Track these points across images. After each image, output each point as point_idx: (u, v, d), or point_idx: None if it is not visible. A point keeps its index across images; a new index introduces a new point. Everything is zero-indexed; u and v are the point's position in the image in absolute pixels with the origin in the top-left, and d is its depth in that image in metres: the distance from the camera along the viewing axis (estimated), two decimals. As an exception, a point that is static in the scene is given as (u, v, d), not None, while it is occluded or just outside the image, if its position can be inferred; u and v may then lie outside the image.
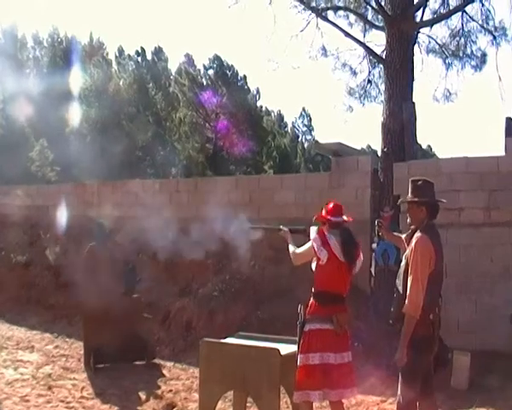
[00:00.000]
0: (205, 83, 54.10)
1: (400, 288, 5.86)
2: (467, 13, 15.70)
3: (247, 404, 6.94)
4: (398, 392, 5.86)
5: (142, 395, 9.48)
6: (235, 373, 6.14)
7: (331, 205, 6.49)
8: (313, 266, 6.36)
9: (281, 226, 7.14)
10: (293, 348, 6.27)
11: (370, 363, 9.61)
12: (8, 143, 43.17)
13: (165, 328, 12.62)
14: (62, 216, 17.65)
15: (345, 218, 6.43)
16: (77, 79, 52.04)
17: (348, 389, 6.09)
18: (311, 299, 6.25)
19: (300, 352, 6.08)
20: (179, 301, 13.04)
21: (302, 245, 6.57)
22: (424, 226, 5.90)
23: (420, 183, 6.06)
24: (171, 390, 9.77)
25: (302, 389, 5.97)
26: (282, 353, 6.00)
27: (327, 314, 6.05)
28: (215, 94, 51.16)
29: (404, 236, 6.35)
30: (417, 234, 5.84)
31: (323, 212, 6.45)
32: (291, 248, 6.65)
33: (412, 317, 5.63)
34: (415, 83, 13.87)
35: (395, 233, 6.87)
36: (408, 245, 5.97)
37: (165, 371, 10.97)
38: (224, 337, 7.10)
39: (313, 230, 6.37)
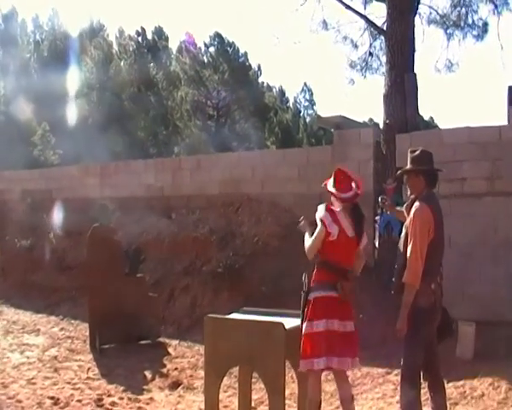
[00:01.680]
0: (206, 60, 53.96)
1: (400, 258, 5.83)
2: (468, -18, 15.62)
3: (253, 379, 6.94)
4: (402, 362, 5.87)
5: (148, 374, 9.52)
6: (240, 349, 6.11)
7: (340, 177, 6.26)
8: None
9: (302, 220, 6.82)
10: (297, 321, 6.24)
11: (375, 335, 9.60)
12: (10, 128, 43.12)
13: (170, 306, 12.64)
14: (65, 199, 17.66)
15: (355, 190, 6.25)
16: (78, 61, 51.96)
17: (350, 359, 6.05)
18: (315, 268, 6.19)
19: (305, 320, 6.04)
20: (183, 279, 13.05)
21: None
22: (423, 196, 5.86)
23: (417, 153, 6.02)
24: (176, 368, 9.81)
25: (307, 358, 5.95)
26: (287, 327, 5.96)
27: (332, 281, 6.00)
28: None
29: (404, 207, 6.31)
30: (416, 203, 5.81)
31: (331, 184, 6.29)
32: (306, 240, 6.41)
33: (412, 285, 5.61)
34: (416, 54, 13.82)
35: (398, 208, 6.82)
36: (408, 215, 5.93)
37: (170, 350, 11.01)
38: (229, 313, 7.07)
39: (321, 207, 6.23)
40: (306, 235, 6.33)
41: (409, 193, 6.07)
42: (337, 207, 6.20)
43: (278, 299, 8.44)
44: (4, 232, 18.14)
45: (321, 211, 6.12)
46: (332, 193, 6.23)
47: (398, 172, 6.51)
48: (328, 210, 6.09)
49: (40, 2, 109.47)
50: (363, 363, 6.52)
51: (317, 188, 6.51)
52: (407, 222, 5.86)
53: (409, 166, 6.04)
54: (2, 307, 14.86)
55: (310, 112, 70.40)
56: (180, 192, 15.99)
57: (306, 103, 71.96)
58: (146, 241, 14.48)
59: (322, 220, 6.06)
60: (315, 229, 6.16)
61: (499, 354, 9.11)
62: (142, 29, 60.12)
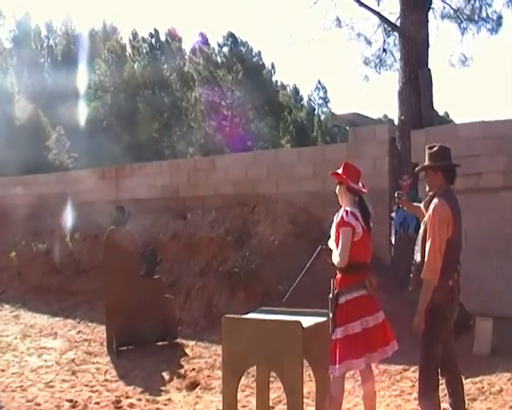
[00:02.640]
0: (219, 61, 54.05)
1: (419, 255, 5.80)
2: (481, -25, 15.52)
3: (270, 379, 6.91)
4: (420, 359, 5.85)
5: (166, 375, 9.50)
6: (258, 348, 6.08)
7: (350, 167, 6.32)
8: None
9: (320, 248, 6.74)
10: (314, 320, 6.21)
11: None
12: (25, 133, 43.32)
13: (187, 307, 12.62)
14: (81, 202, 17.73)
15: (362, 188, 6.27)
16: (91, 65, 52.20)
17: (388, 346, 6.05)
18: (341, 272, 6.12)
19: (338, 325, 5.99)
20: (200, 279, 13.03)
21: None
22: (442, 192, 5.82)
23: (436, 148, 5.97)
24: (194, 369, 9.78)
25: (345, 360, 5.91)
26: (304, 325, 5.92)
27: (360, 280, 5.99)
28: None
29: (422, 203, 6.27)
30: (435, 200, 5.77)
31: (342, 173, 6.26)
32: (334, 253, 6.34)
33: (430, 282, 5.57)
34: (430, 49, 13.73)
35: (415, 203, 6.79)
36: (426, 211, 5.89)
37: (187, 351, 10.97)
38: (246, 313, 7.05)
39: (343, 212, 6.15)
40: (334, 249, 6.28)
41: (427, 189, 6.02)
42: (346, 201, 6.20)
43: (295, 298, 8.41)
44: (21, 236, 18.20)
45: (345, 215, 6.06)
46: (343, 178, 6.22)
47: (417, 168, 6.46)
48: (350, 213, 6.05)
49: (53, 6, 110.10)
50: (380, 360, 6.46)
51: (332, 186, 6.44)
52: (425, 218, 5.82)
53: (427, 162, 5.99)
54: (19, 310, 14.89)
55: (324, 109, 70.45)
56: (195, 193, 16.01)
57: (320, 101, 72.01)
58: (162, 242, 14.50)
59: (348, 223, 6.02)
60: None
61: (517, 350, 9.05)
62: (156, 31, 60.36)
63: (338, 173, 6.30)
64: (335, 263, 6.15)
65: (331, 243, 6.29)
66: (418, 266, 5.75)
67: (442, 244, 5.58)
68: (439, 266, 5.55)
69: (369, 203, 6.33)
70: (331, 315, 6.07)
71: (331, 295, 6.09)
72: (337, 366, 5.93)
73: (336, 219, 6.20)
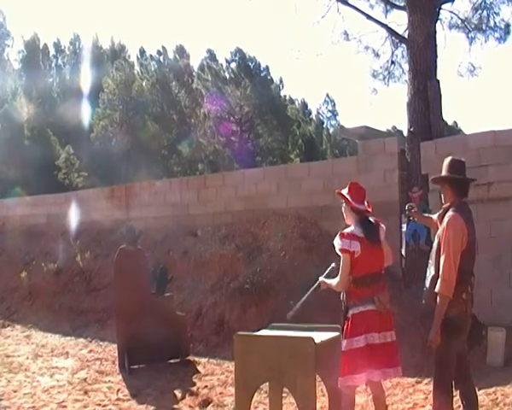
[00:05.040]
0: (228, 76, 54.17)
1: (432, 268, 5.79)
2: (488, -16, 15.52)
3: (283, 395, 6.88)
4: (434, 373, 5.81)
5: (178, 393, 9.46)
6: (270, 365, 6.06)
7: (355, 187, 6.32)
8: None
9: (318, 281, 6.84)
10: (326, 335, 6.20)
11: (405, 344, 9.47)
12: (35, 153, 43.48)
13: (198, 324, 12.59)
14: (91, 221, 17.76)
15: (366, 207, 6.28)
16: (100, 83, 52.42)
17: (391, 369, 6.00)
18: (351, 286, 6.13)
19: (344, 337, 6.02)
20: (211, 296, 13.00)
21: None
22: (456, 205, 5.82)
23: (451, 161, 5.99)
24: (206, 386, 9.74)
25: (348, 374, 5.90)
26: (316, 341, 5.90)
27: (369, 295, 5.96)
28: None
29: (435, 216, 6.26)
30: (449, 213, 5.77)
31: (347, 193, 6.30)
32: (333, 283, 6.39)
33: (445, 296, 5.54)
34: (438, 60, 13.71)
35: (425, 215, 6.79)
36: (440, 224, 5.88)
37: (199, 368, 10.95)
38: (258, 330, 7.03)
39: (336, 241, 6.21)
40: (330, 281, 6.40)
41: (443, 200, 6.01)
42: (350, 220, 6.26)
43: (307, 313, 8.36)
44: (31, 257, 18.24)
45: (337, 242, 6.11)
46: (346, 199, 6.26)
47: (431, 178, 6.46)
48: (342, 236, 6.07)
49: (61, 26, 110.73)
50: (401, 371, 6.41)
51: (342, 201, 6.45)
52: (439, 232, 5.80)
53: (444, 173, 5.98)
54: (30, 330, 14.90)
55: (333, 123, 70.84)
56: (205, 210, 16.02)
57: (329, 114, 72.44)
58: (173, 259, 14.49)
59: (343, 249, 6.05)
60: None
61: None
62: (164, 48, 60.66)
63: (342, 194, 6.33)
64: (335, 288, 6.27)
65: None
66: (432, 280, 5.72)
67: (456, 258, 5.57)
68: (454, 279, 5.53)
69: (373, 218, 6.32)
70: (341, 328, 6.11)
71: (343, 309, 6.09)
72: (341, 378, 5.95)
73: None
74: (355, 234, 6.06)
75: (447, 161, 6.00)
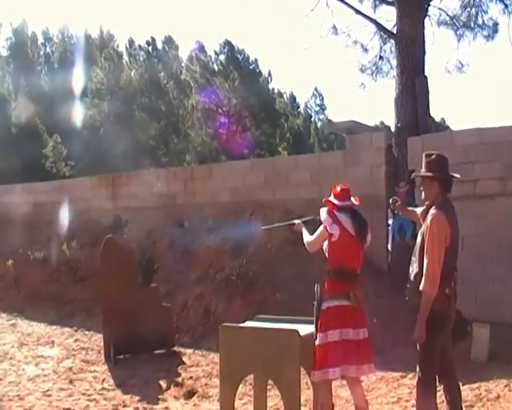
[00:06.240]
0: (216, 68, 54.10)
1: (416, 265, 5.79)
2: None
3: (268, 387, 6.91)
4: (417, 367, 5.82)
5: (163, 384, 9.45)
6: (255, 357, 6.09)
7: (338, 189, 6.33)
8: (325, 246, 6.29)
9: (294, 220, 7.03)
10: (311, 328, 6.22)
11: (389, 339, 9.57)
12: (22, 141, 43.34)
13: (184, 315, 12.58)
14: (78, 210, 17.73)
15: (353, 201, 6.32)
16: (88, 73, 52.26)
17: (365, 365, 6.03)
18: (327, 278, 6.18)
19: (319, 331, 6.02)
20: (197, 287, 13.01)
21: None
22: (439, 202, 5.81)
23: (433, 157, 5.95)
24: (191, 377, 9.74)
25: (322, 368, 5.92)
26: (301, 333, 5.93)
27: (344, 290, 5.99)
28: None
29: (419, 211, 6.27)
30: (432, 210, 5.75)
31: (331, 197, 6.35)
32: (305, 237, 6.54)
33: (430, 295, 5.55)
34: (426, 56, 13.77)
35: (410, 208, 6.80)
36: (423, 221, 5.89)
37: (185, 359, 10.94)
38: (243, 321, 7.05)
39: (323, 211, 6.27)
40: (305, 232, 6.58)
41: (423, 196, 6.02)
42: (335, 210, 6.26)
43: (292, 305, 8.40)
44: (17, 245, 18.18)
45: (322, 214, 6.19)
46: (330, 202, 6.28)
47: (413, 175, 6.48)
48: (329, 212, 6.14)
49: (50, 14, 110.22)
50: (377, 367, 6.44)
51: (329, 193, 6.48)
52: (423, 229, 5.79)
53: (423, 170, 5.97)
54: (16, 319, 14.84)
55: (321, 116, 70.83)
56: (193, 201, 16.03)
57: (317, 108, 72.41)
58: (159, 250, 14.50)
59: (324, 224, 6.14)
60: (314, 228, 6.36)
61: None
62: (153, 39, 60.45)
63: (329, 200, 6.35)
64: (305, 244, 6.49)
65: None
66: (416, 277, 5.74)
67: (440, 256, 5.57)
68: (438, 277, 5.53)
69: (362, 213, 6.37)
70: (315, 321, 6.11)
71: (315, 301, 6.11)
72: (315, 372, 5.97)
73: None
74: (339, 219, 6.10)
75: (432, 157, 5.96)
